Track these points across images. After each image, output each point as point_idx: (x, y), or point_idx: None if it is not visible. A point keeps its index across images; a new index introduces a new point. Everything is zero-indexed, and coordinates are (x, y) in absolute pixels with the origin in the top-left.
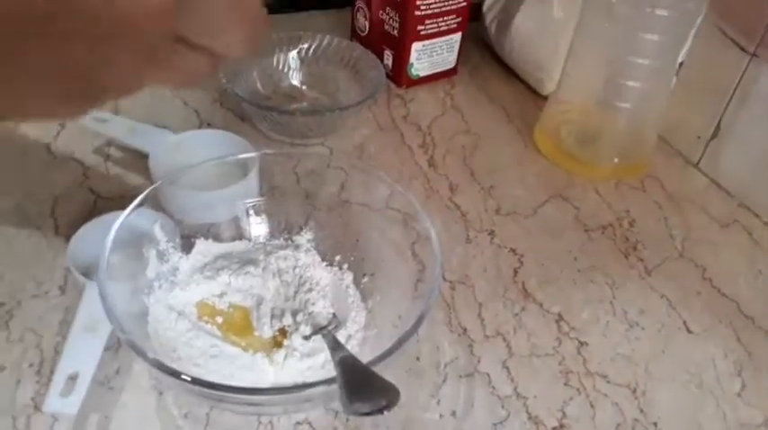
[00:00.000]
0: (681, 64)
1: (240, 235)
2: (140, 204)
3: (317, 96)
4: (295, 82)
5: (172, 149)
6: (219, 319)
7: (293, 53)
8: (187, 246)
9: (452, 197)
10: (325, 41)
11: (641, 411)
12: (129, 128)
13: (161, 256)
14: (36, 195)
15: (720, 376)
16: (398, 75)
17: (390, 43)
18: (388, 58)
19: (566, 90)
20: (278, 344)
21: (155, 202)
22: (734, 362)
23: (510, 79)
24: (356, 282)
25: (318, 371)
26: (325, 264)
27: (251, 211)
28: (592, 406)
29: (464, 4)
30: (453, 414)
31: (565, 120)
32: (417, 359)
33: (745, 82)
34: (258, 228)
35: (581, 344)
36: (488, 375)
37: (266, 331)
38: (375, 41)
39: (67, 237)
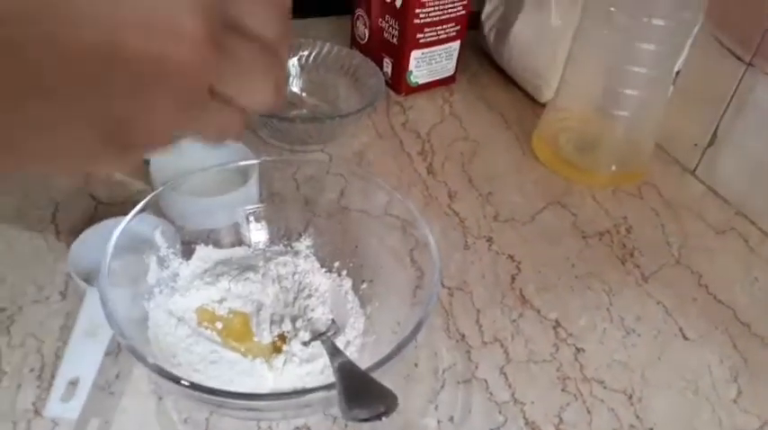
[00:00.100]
0: (678, 73)
1: (240, 241)
2: (141, 210)
3: (316, 103)
4: (295, 89)
5: (173, 156)
6: (219, 325)
7: (293, 60)
8: (187, 252)
9: (451, 204)
10: (325, 49)
11: (637, 417)
12: None
13: (161, 262)
14: (37, 201)
15: (716, 382)
16: (398, 82)
17: (390, 51)
18: (388, 65)
19: (564, 98)
20: (277, 350)
21: (155, 208)
22: (730, 369)
23: (508, 87)
24: (355, 288)
25: (317, 376)
26: (324, 270)
27: (251, 218)
28: (588, 412)
29: (463, 12)
30: (451, 419)
31: (563, 128)
32: (416, 365)
33: (742, 91)
34: (258, 234)
35: (578, 350)
36: (486, 381)
37: (265, 337)
38: (374, 49)
39: (68, 243)
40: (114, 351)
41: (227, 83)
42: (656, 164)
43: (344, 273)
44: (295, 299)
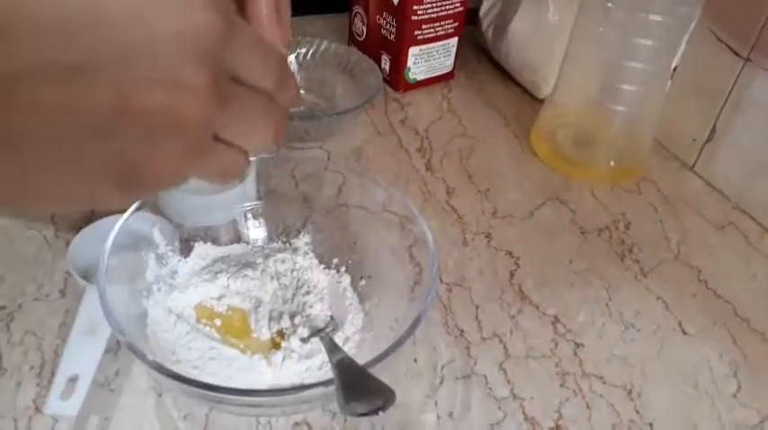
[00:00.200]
0: (675, 68)
1: (238, 238)
2: (139, 208)
3: (314, 101)
4: None
5: None
6: (218, 322)
7: (291, 58)
8: (186, 250)
9: (449, 200)
10: (323, 46)
11: (637, 412)
12: None
13: (160, 259)
14: None
15: (716, 377)
16: (396, 79)
17: (388, 48)
18: (386, 62)
19: (562, 93)
20: (276, 346)
21: (153, 206)
22: (729, 364)
23: (506, 83)
24: (353, 284)
25: (316, 372)
26: (322, 266)
27: (249, 215)
28: (588, 407)
29: (461, 9)
30: (450, 415)
31: (561, 124)
32: (415, 361)
33: (739, 86)
34: (256, 231)
35: (577, 345)
36: (485, 377)
37: (264, 333)
38: (372, 46)
39: (67, 241)
40: (113, 348)
41: (229, 128)
42: (654, 159)
43: (343, 269)
44: (293, 295)
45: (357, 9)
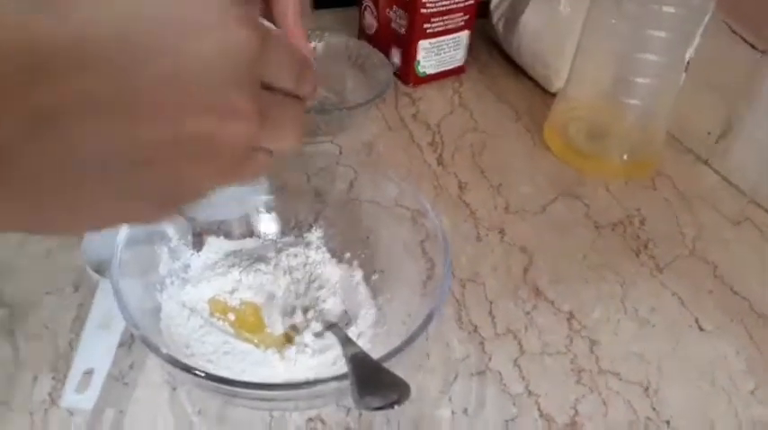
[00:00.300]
0: (689, 61)
1: (251, 232)
2: None
3: (325, 95)
4: None
5: None
6: (231, 316)
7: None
8: (198, 244)
9: (461, 195)
10: (334, 40)
11: (654, 409)
12: None
13: (173, 253)
14: None
15: (733, 374)
16: (406, 73)
17: (398, 41)
18: (396, 56)
19: (574, 87)
20: (289, 341)
21: None
22: (746, 360)
23: (518, 76)
24: (366, 278)
25: (329, 367)
26: (335, 261)
27: (261, 209)
28: (604, 403)
29: (471, 2)
30: (465, 411)
31: (574, 117)
32: (428, 356)
33: (755, 79)
34: (269, 225)
35: (592, 342)
36: (500, 373)
37: (277, 328)
38: (383, 40)
39: (81, 235)
40: (128, 342)
41: (264, 139)
42: (669, 153)
43: (355, 263)
44: (306, 289)
45: (367, 2)
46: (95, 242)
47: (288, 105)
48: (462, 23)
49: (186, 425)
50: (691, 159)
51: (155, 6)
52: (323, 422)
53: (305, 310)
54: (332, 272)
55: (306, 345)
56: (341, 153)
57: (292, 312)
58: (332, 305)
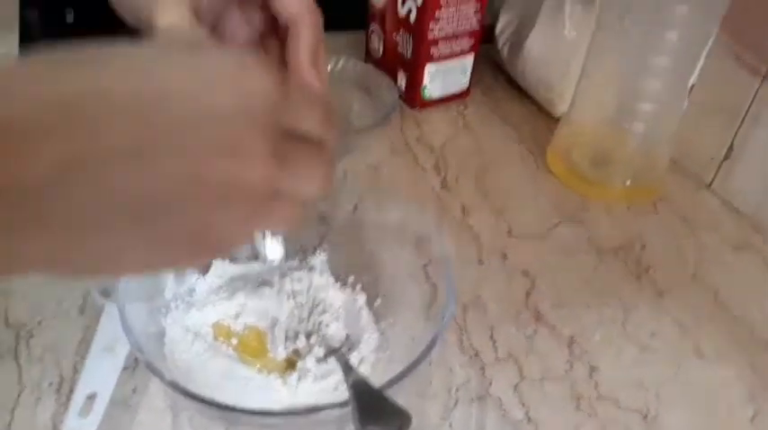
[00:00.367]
0: (692, 86)
1: (255, 256)
2: None
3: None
4: None
5: None
6: (234, 340)
7: None
8: (205, 267)
9: (465, 219)
10: (341, 63)
11: None
12: None
13: (178, 277)
14: None
15: (732, 401)
16: (412, 96)
17: (404, 65)
18: (402, 79)
19: (578, 112)
20: (291, 366)
21: None
22: (746, 387)
23: (522, 100)
24: (369, 303)
25: (331, 393)
26: (338, 285)
27: (266, 233)
28: None
29: (477, 27)
30: None
31: (577, 142)
32: (429, 381)
33: (758, 103)
34: (273, 249)
35: (593, 367)
36: (500, 398)
37: (280, 352)
38: (389, 63)
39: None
40: (131, 365)
41: (287, 182)
42: (671, 178)
43: (359, 287)
44: (310, 314)
45: (374, 27)
46: None
47: (311, 150)
48: (468, 48)
49: None
50: (693, 184)
51: (176, 60)
52: None
53: (308, 335)
54: (335, 296)
55: (308, 371)
56: (346, 176)
57: (295, 337)
58: (335, 330)
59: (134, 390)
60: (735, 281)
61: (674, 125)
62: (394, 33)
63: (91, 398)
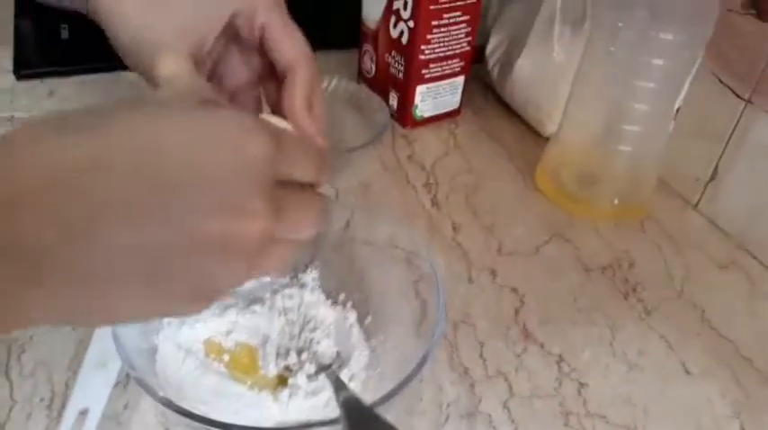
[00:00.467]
0: (678, 109)
1: None
2: None
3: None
4: None
5: None
6: (226, 357)
7: None
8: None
9: (455, 236)
10: (333, 82)
11: None
12: None
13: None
14: None
15: (718, 418)
16: (403, 116)
17: (396, 85)
18: (394, 99)
19: (566, 132)
20: (282, 383)
21: None
22: (732, 404)
23: (512, 120)
24: (360, 320)
25: (322, 409)
26: (329, 302)
27: None
28: None
29: (468, 48)
30: None
31: (565, 162)
32: (420, 398)
33: (742, 127)
34: None
35: (581, 385)
36: (490, 415)
37: (271, 369)
38: (381, 83)
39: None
40: (123, 381)
41: (281, 231)
42: (658, 197)
43: (350, 305)
44: (301, 331)
45: (366, 47)
46: None
47: (304, 195)
48: (459, 69)
49: None
50: (679, 204)
51: (177, 121)
52: None
53: (299, 352)
54: (326, 313)
55: (299, 387)
56: (337, 194)
57: (286, 354)
58: (325, 347)
59: (126, 406)
60: (720, 299)
61: (661, 147)
62: (386, 54)
63: (83, 413)
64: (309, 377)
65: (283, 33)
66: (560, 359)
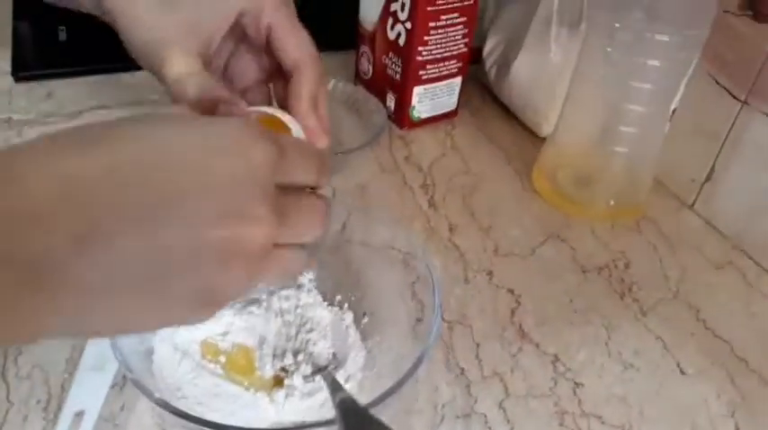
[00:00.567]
0: (674, 110)
1: None
2: None
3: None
4: None
5: None
6: (223, 359)
7: None
8: None
9: (452, 237)
10: (331, 84)
11: None
12: None
13: None
14: None
15: (713, 418)
16: (400, 117)
17: (393, 87)
18: (391, 100)
19: (563, 133)
20: (279, 384)
21: None
22: (727, 404)
23: (509, 121)
24: (356, 321)
25: (318, 410)
26: (326, 303)
27: None
28: None
29: (465, 50)
30: None
31: (562, 163)
32: (416, 398)
33: (737, 128)
34: None
35: (576, 385)
36: (485, 416)
37: (267, 370)
38: (378, 84)
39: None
40: (119, 383)
41: (285, 234)
42: (654, 198)
43: (346, 306)
44: (297, 332)
45: (364, 49)
46: None
47: (307, 199)
48: (456, 70)
49: None
50: (675, 204)
51: (181, 132)
52: None
53: (295, 353)
54: (322, 314)
55: (295, 388)
56: (334, 195)
57: (283, 355)
58: (322, 348)
59: (122, 408)
60: (716, 299)
61: (657, 147)
62: (383, 56)
63: (79, 415)
64: (306, 378)
65: (289, 33)
66: (556, 359)
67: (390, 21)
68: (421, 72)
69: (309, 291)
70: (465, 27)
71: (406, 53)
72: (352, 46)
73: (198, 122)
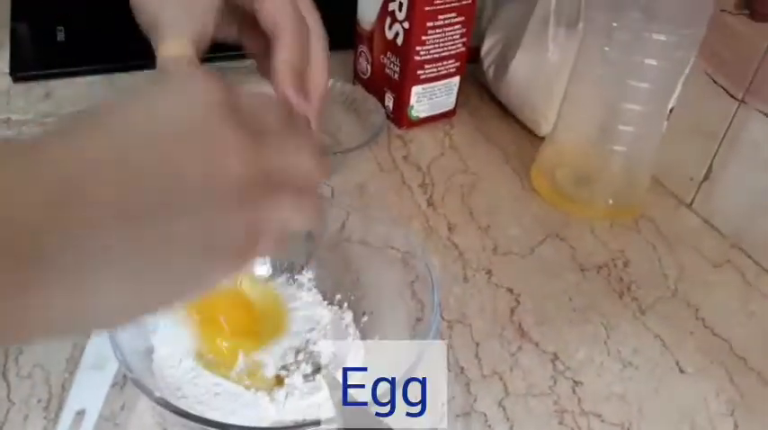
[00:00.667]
0: (672, 109)
1: None
2: None
3: (318, 137)
4: None
5: None
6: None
7: None
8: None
9: (450, 236)
10: (329, 84)
11: None
12: None
13: None
14: None
15: (713, 416)
16: (399, 116)
17: (391, 86)
18: (389, 100)
19: (561, 132)
20: (279, 383)
21: None
22: (726, 403)
23: (508, 120)
24: (356, 320)
25: (318, 409)
26: (326, 302)
27: None
28: None
29: (462, 49)
30: None
31: (560, 162)
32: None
33: (735, 126)
34: (261, 266)
35: (576, 383)
36: (485, 414)
37: (268, 369)
38: (376, 84)
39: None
40: (119, 382)
41: (274, 161)
42: (652, 197)
43: (345, 305)
44: (297, 331)
45: (362, 48)
46: None
47: (299, 189)
48: (454, 70)
49: None
50: (674, 203)
51: (142, 100)
52: None
53: (295, 352)
54: (322, 313)
55: (295, 387)
56: (333, 194)
57: (283, 354)
58: (322, 347)
59: (123, 407)
60: (715, 298)
61: (655, 146)
62: (381, 55)
63: (79, 414)
64: (306, 377)
65: None
66: (555, 358)
67: (388, 20)
68: (419, 71)
69: (309, 290)
70: (463, 27)
71: (404, 53)
72: (350, 45)
73: (154, 88)
